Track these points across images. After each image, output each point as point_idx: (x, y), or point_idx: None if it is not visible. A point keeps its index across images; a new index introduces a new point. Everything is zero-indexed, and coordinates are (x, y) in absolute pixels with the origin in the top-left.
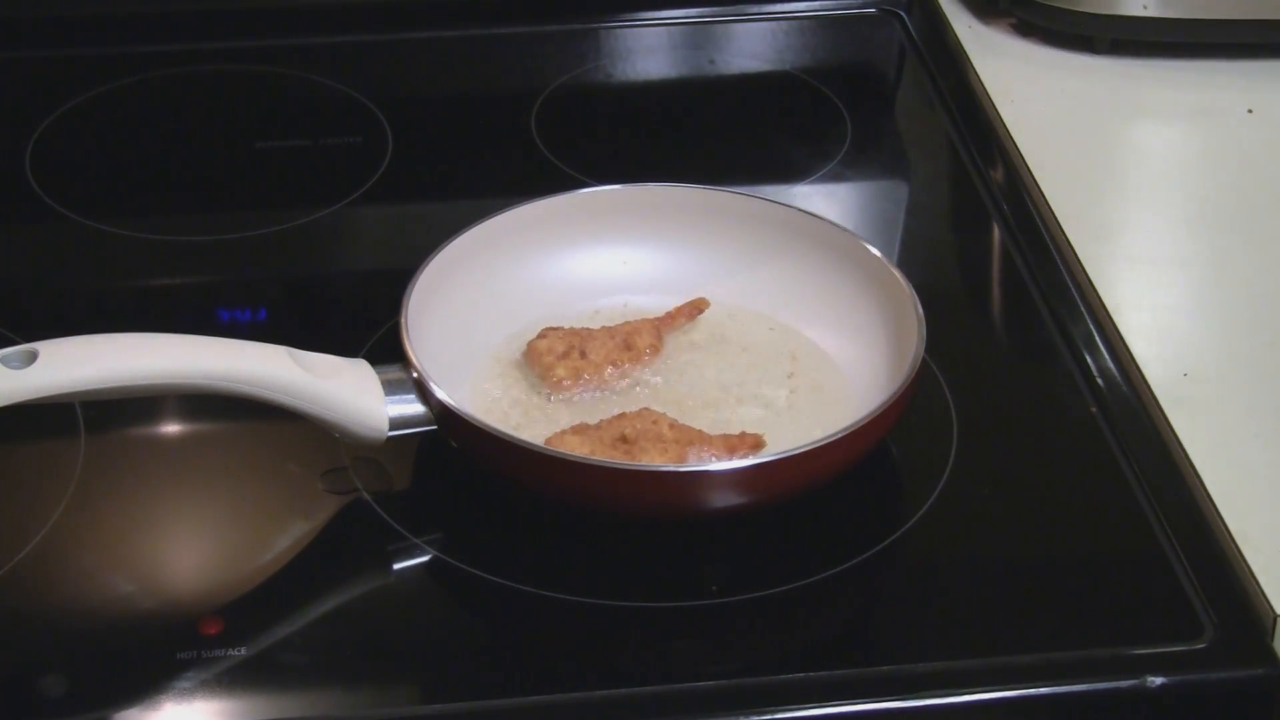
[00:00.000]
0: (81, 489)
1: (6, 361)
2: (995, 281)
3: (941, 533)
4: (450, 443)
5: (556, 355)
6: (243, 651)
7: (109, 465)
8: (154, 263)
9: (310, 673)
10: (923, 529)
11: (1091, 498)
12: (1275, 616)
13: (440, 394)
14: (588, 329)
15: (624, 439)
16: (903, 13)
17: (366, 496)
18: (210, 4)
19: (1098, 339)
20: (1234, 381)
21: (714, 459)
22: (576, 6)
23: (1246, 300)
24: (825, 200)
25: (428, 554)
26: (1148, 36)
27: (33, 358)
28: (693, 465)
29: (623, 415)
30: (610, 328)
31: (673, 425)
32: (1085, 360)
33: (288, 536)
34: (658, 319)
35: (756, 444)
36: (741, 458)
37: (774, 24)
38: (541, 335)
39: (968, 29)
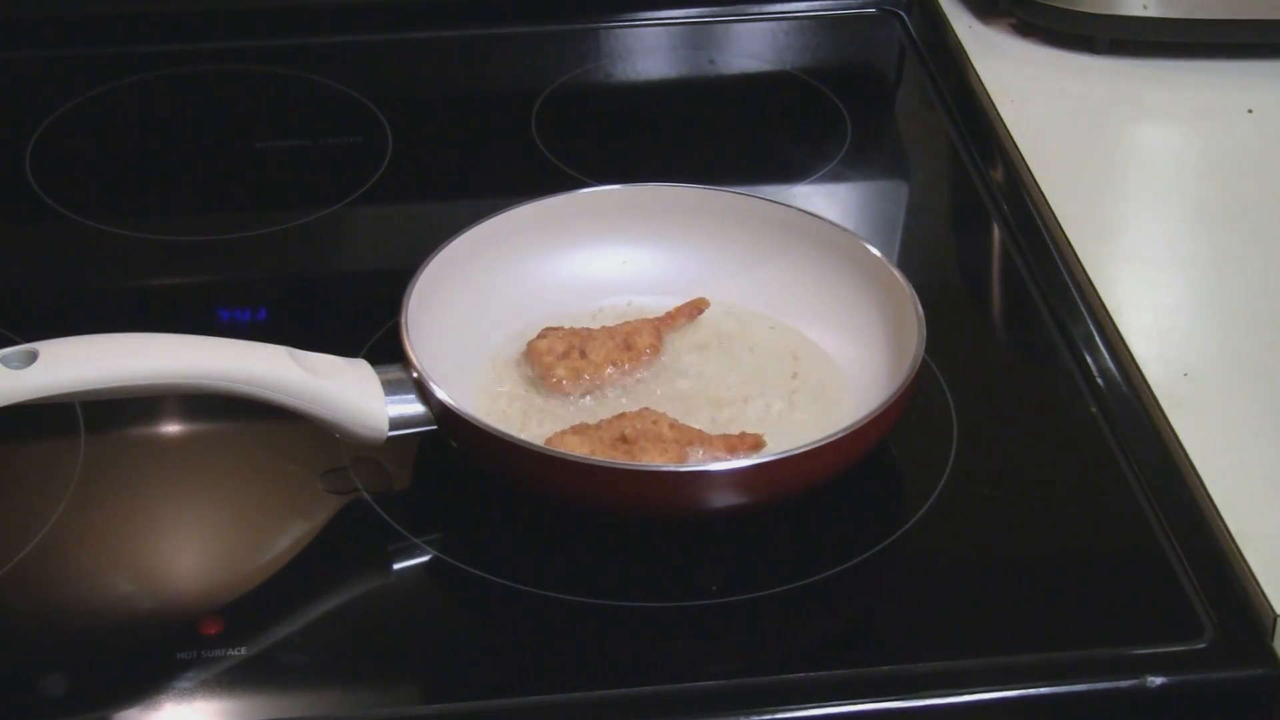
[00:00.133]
0: (81, 489)
1: (6, 361)
2: (995, 281)
3: (941, 533)
4: (450, 443)
5: (556, 355)
6: (243, 651)
7: (109, 465)
8: (154, 263)
9: (310, 673)
10: (923, 529)
11: (1091, 498)
12: (1275, 616)
13: (440, 394)
14: (588, 329)
15: (624, 439)
16: (903, 13)
17: (366, 496)
18: (210, 4)
19: (1098, 339)
20: (1234, 381)
21: (714, 459)
22: (576, 6)
23: (1246, 300)
24: (825, 200)
25: (428, 554)
26: (1148, 36)
27: (33, 358)
28: (693, 465)
29: (623, 415)
30: (610, 328)
31: (673, 425)
32: (1085, 360)
33: (288, 536)
34: (658, 319)
35: (756, 444)
36: (741, 458)
37: (774, 24)
38: (541, 335)
39: (968, 29)
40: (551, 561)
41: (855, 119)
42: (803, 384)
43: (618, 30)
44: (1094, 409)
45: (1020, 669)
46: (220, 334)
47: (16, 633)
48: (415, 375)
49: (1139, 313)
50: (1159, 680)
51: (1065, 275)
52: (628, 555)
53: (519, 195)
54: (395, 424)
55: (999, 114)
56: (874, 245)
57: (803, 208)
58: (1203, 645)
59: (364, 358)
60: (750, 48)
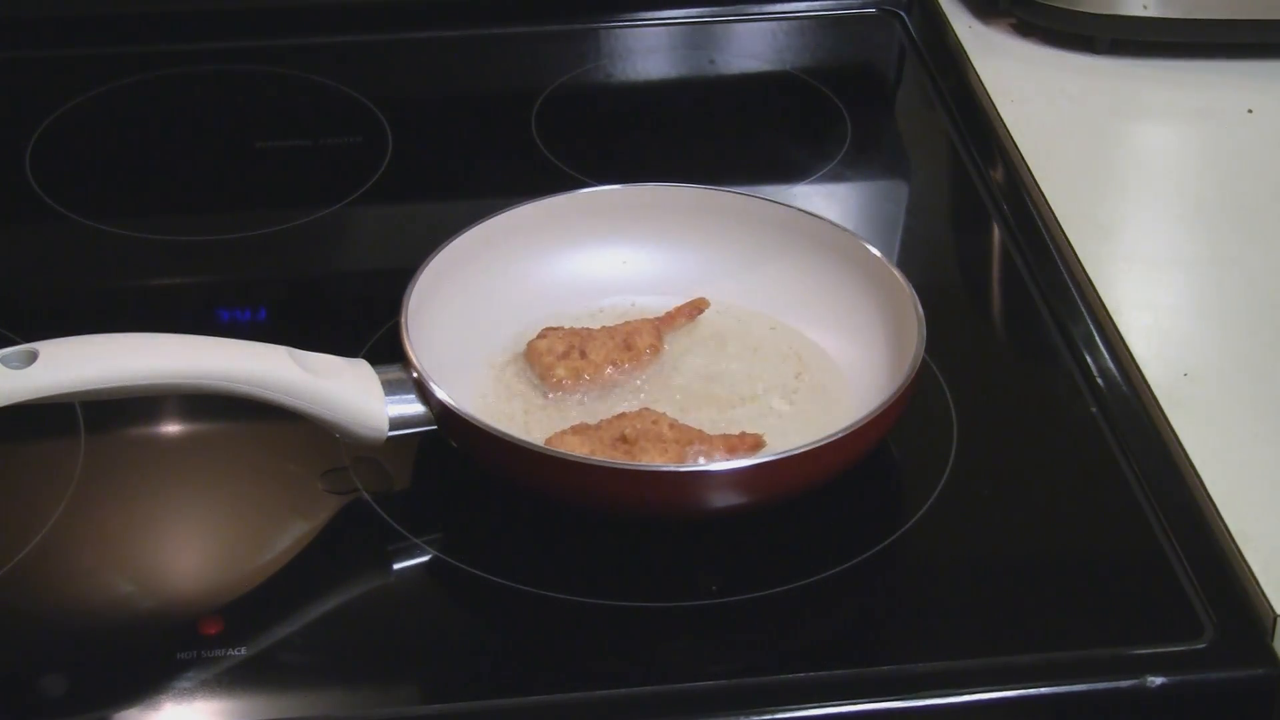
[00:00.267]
0: (81, 489)
1: (6, 361)
2: (995, 281)
3: (941, 533)
4: (450, 443)
5: (556, 355)
6: (243, 651)
7: (109, 465)
8: (154, 263)
9: (310, 673)
10: (923, 529)
11: (1091, 498)
12: (1275, 616)
13: (440, 394)
14: (588, 329)
15: (624, 439)
16: (903, 13)
17: (366, 496)
18: (210, 4)
19: (1098, 339)
20: (1234, 381)
21: (714, 459)
22: (576, 6)
23: (1246, 300)
24: (825, 200)
25: (428, 554)
26: (1148, 36)
27: (33, 358)
28: (693, 465)
29: (623, 415)
30: (610, 328)
31: (673, 425)
32: (1085, 360)
33: (288, 536)
34: (658, 319)
35: (756, 444)
36: (741, 458)
37: (774, 24)
38: (541, 335)
39: (968, 29)
40: (551, 561)
41: (855, 119)
42: (803, 384)
43: (618, 30)
44: (1094, 409)
45: (1020, 669)
46: (220, 334)
47: (16, 633)
48: (415, 375)
49: (1139, 313)
50: (1159, 680)
51: (1065, 275)
52: (628, 555)
53: (519, 195)
54: (395, 424)
55: (999, 114)
56: (874, 245)
57: (803, 208)
58: (1203, 645)
59: (364, 358)
60: (750, 48)
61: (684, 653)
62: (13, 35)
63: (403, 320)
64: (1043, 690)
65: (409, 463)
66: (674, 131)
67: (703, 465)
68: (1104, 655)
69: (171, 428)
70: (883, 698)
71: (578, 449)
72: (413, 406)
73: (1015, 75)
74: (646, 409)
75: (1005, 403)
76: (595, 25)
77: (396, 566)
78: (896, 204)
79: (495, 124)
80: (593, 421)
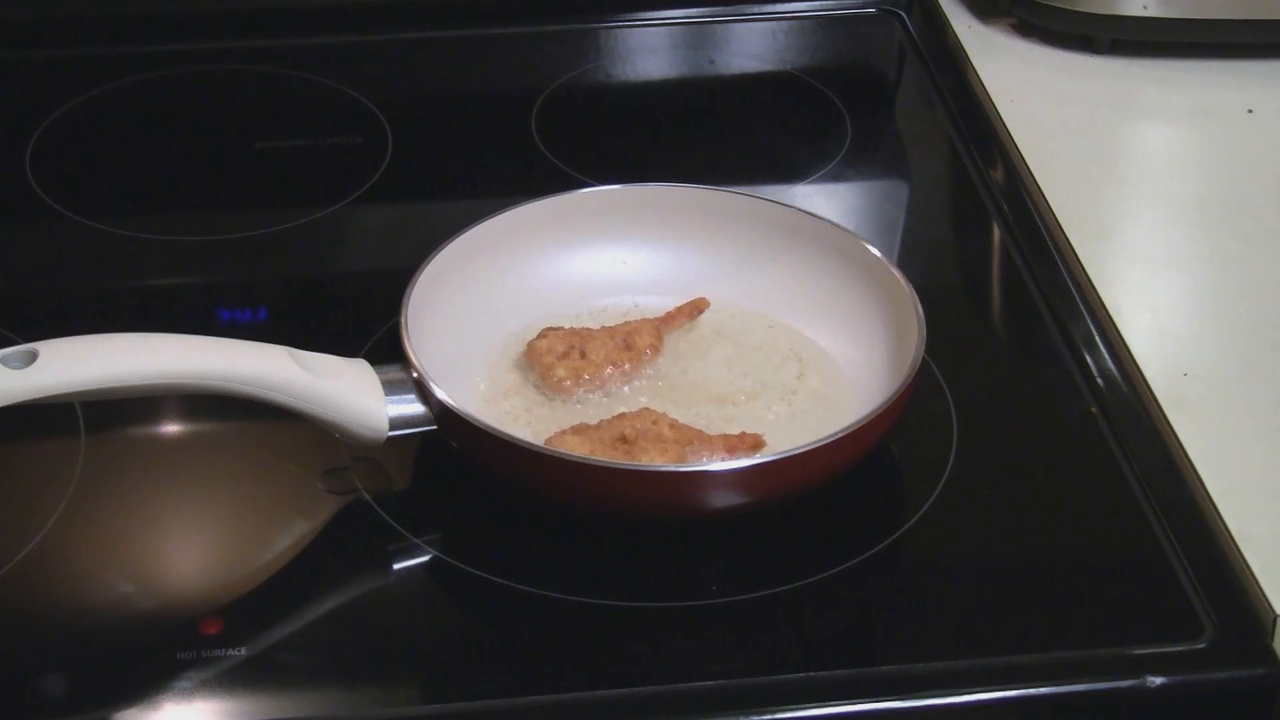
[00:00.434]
0: (81, 489)
1: (6, 361)
2: (995, 281)
3: (941, 533)
4: (450, 443)
5: (556, 355)
6: (243, 651)
7: (109, 465)
8: (154, 263)
9: (310, 673)
10: (923, 529)
11: (1091, 498)
12: (1275, 616)
13: (440, 394)
14: (588, 329)
15: (624, 439)
16: (903, 13)
17: (366, 496)
18: (210, 4)
19: (1098, 339)
20: (1234, 381)
21: (714, 459)
22: (576, 6)
23: (1246, 300)
24: (825, 200)
25: (428, 554)
26: (1148, 36)
27: (33, 358)
28: (693, 465)
29: (623, 415)
30: (610, 328)
31: (673, 425)
32: (1085, 360)
33: (288, 536)
34: (658, 319)
35: (756, 444)
36: (741, 458)
37: (774, 24)
38: (541, 335)
39: (968, 29)
40: (551, 561)
41: (855, 119)
42: (803, 384)
43: (618, 30)
44: (1094, 409)
45: (1020, 669)
46: (220, 334)
47: (16, 633)
48: (415, 375)
49: (1139, 313)
50: (1159, 680)
51: (1065, 275)
52: (628, 555)
53: (519, 195)
54: (395, 424)
55: (999, 114)
56: (874, 245)
57: (803, 208)
58: (1203, 645)
59: (364, 358)
60: (750, 48)
61: (684, 653)
62: (13, 35)
63: (403, 320)
64: (1043, 690)
65: (409, 463)
66: (674, 131)
67: (703, 465)
68: (1104, 655)
69: (171, 428)
70: (883, 698)
71: (578, 449)
72: (413, 406)
73: (1015, 75)
74: (646, 409)
75: (1005, 403)
76: (595, 25)
77: (396, 566)
78: (896, 204)
79: (495, 124)
80: (593, 421)
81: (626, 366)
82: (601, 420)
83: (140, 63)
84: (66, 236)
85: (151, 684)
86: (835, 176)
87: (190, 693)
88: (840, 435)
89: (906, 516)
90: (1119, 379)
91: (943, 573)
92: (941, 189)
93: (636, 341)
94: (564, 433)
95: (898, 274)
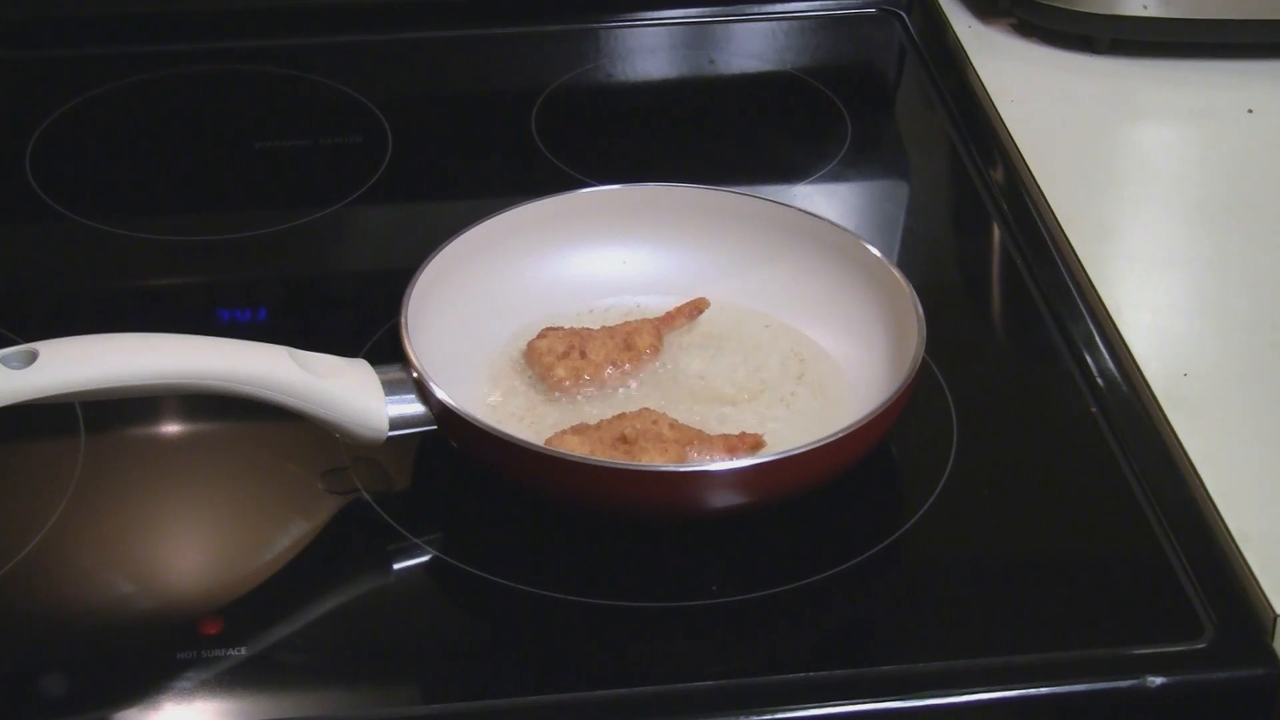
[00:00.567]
0: (81, 489)
1: (6, 361)
2: (995, 281)
3: (941, 533)
4: (450, 443)
5: (556, 355)
6: (243, 651)
7: (109, 465)
8: (154, 263)
9: (310, 673)
10: (923, 529)
11: (1091, 498)
12: (1275, 616)
13: (440, 394)
14: (588, 329)
15: (624, 439)
16: (903, 13)
17: (366, 496)
18: (210, 4)
19: (1098, 339)
20: (1234, 381)
21: (714, 459)
22: (576, 6)
23: (1246, 300)
24: (825, 200)
25: (428, 554)
26: (1148, 36)
27: (33, 358)
28: (693, 465)
29: (623, 415)
30: (610, 328)
31: (673, 425)
32: (1085, 360)
33: (288, 536)
34: (658, 319)
35: (756, 444)
36: (741, 458)
37: (774, 24)
38: (541, 335)
39: (968, 29)
40: (551, 561)
41: (855, 119)
42: (803, 384)
43: (618, 30)
44: (1094, 409)
45: (1020, 669)
46: (220, 334)
47: (16, 633)
48: (415, 375)
49: (1139, 313)
50: (1159, 680)
51: (1065, 275)
52: (628, 555)
53: (519, 195)
54: (395, 424)
55: (999, 114)
56: (874, 245)
57: (803, 208)
58: (1203, 645)
59: (364, 358)
60: (750, 48)
61: (684, 653)
62: (13, 35)
63: (403, 320)
64: (1043, 690)
65: (409, 463)
66: (674, 131)
67: (703, 465)
68: (1104, 655)
69: (171, 428)
70: (883, 698)
71: (578, 449)
72: (413, 406)
73: (1015, 75)
74: (646, 409)
75: (1005, 403)
76: (595, 25)
77: (396, 566)
78: (896, 204)
79: (495, 124)
80: (593, 421)
81: (626, 366)
82: (601, 420)
83: (140, 63)
84: (66, 236)
85: (151, 684)
86: (835, 176)
87: (190, 693)
88: (840, 435)
89: (906, 516)
90: (1119, 379)
91: (943, 573)
92: (941, 189)
93: (636, 341)
94: (564, 433)
95: (898, 274)
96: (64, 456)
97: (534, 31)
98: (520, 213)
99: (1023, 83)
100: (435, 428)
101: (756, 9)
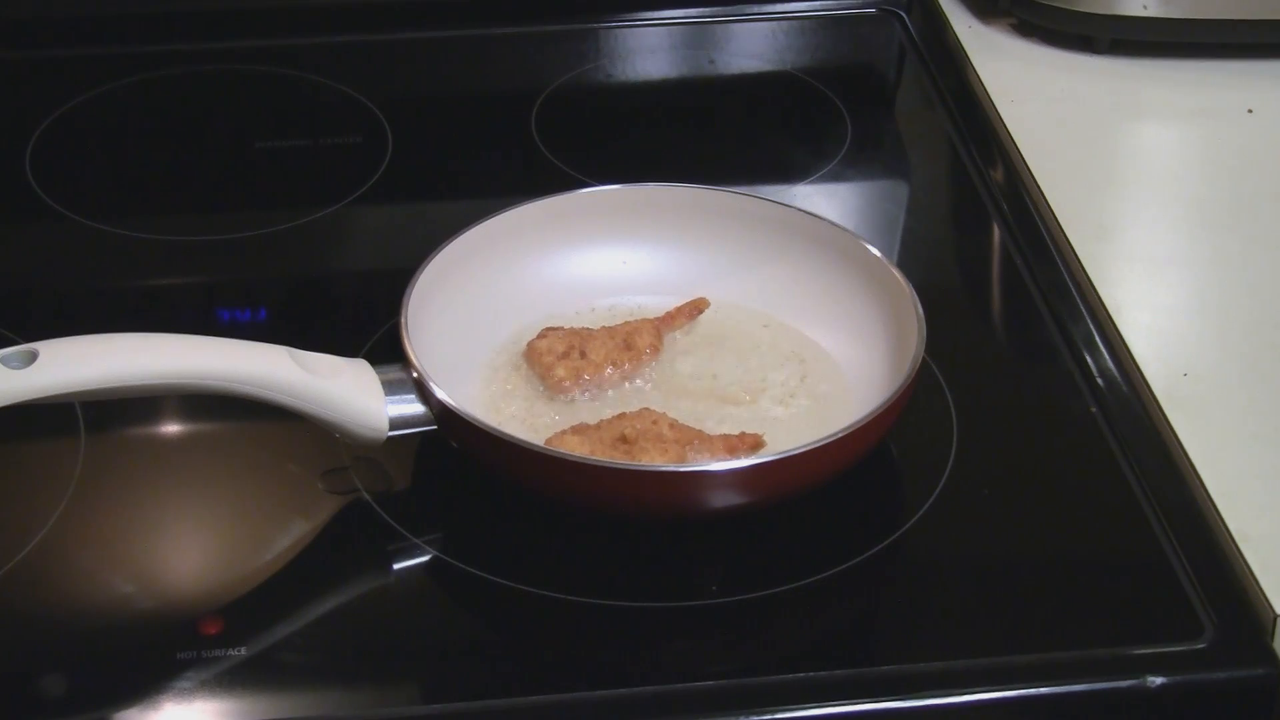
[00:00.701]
0: (81, 489)
1: (6, 361)
2: (995, 281)
3: (941, 533)
4: (450, 443)
5: (556, 355)
6: (243, 651)
7: (109, 465)
8: (154, 263)
9: (310, 673)
10: (923, 529)
11: (1091, 498)
12: (1275, 616)
13: (440, 394)
14: (588, 329)
15: (624, 439)
16: (903, 13)
17: (366, 496)
18: (210, 4)
19: (1098, 339)
20: (1234, 381)
21: (714, 459)
22: (576, 6)
23: (1246, 300)
24: (825, 200)
25: (428, 554)
26: (1148, 36)
27: (33, 358)
28: (693, 465)
29: (623, 415)
30: (610, 328)
31: (673, 425)
32: (1085, 360)
33: (288, 536)
34: (658, 319)
35: (756, 444)
36: (741, 458)
37: (774, 24)
38: (541, 335)
39: (968, 29)
40: (551, 561)
41: (855, 119)
42: (803, 384)
43: (618, 30)
44: (1094, 409)
45: (1020, 669)
46: (220, 334)
47: (16, 633)
48: (415, 375)
49: (1139, 313)
50: (1159, 680)
51: (1065, 275)
52: (628, 555)
53: (519, 195)
54: (395, 424)
55: (999, 114)
56: (874, 245)
57: (803, 208)
58: (1203, 645)
59: (364, 358)
60: (750, 48)
61: (684, 653)
62: (13, 35)
63: (403, 320)
64: (1043, 690)
65: (409, 463)
66: (674, 131)
67: (703, 465)
68: (1104, 655)
69: (171, 428)
70: (883, 698)
71: (578, 449)
72: (413, 406)
73: (1015, 75)
74: (646, 409)
75: (1005, 403)
76: (595, 25)
77: (396, 566)
78: (896, 204)
79: (495, 124)
80: (593, 421)
81: (626, 366)
82: (601, 420)
83: (140, 63)
84: (66, 236)
85: (151, 684)
86: (835, 176)
87: (190, 693)
88: (840, 435)
89: (906, 516)
90: (1119, 379)
91: (943, 573)
92: (941, 189)
93: (636, 341)
94: (564, 433)
95: (898, 274)
96: (64, 456)
97: (534, 31)
98: (520, 213)
99: (1023, 83)
100: (435, 428)
101: (756, 9)
